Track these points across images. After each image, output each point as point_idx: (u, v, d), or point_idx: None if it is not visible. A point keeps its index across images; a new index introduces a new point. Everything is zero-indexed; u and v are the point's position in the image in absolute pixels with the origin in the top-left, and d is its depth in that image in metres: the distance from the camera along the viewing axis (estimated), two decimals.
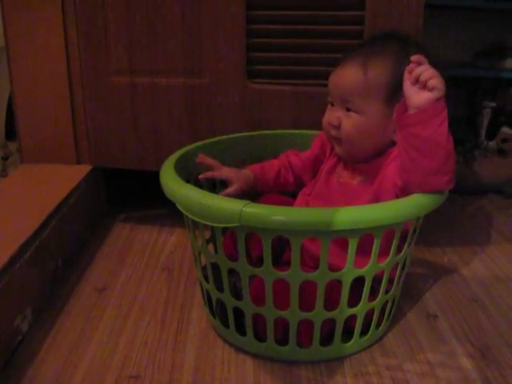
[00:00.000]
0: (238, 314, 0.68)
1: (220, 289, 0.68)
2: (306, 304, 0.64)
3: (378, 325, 0.71)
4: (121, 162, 1.02)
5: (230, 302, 0.68)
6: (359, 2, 0.88)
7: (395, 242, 0.65)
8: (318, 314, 0.65)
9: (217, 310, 0.71)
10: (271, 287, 0.64)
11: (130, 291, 0.84)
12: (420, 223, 0.71)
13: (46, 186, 0.97)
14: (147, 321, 0.77)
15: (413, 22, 0.87)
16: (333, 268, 0.63)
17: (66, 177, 1.00)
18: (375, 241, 0.63)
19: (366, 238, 0.62)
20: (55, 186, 0.96)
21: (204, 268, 0.72)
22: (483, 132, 1.46)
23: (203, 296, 0.76)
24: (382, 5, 0.87)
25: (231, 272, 0.67)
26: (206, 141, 0.88)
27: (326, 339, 0.68)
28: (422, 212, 0.65)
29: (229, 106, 0.96)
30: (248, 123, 0.96)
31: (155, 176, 0.73)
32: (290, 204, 0.81)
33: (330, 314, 0.66)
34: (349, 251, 0.62)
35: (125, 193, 1.19)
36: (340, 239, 0.62)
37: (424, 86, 0.62)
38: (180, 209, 0.66)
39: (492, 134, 1.39)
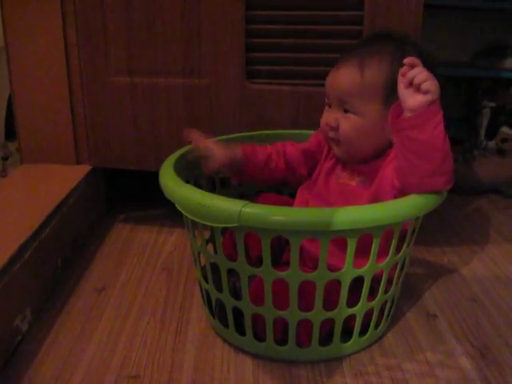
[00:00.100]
0: (238, 313, 0.68)
1: (219, 289, 0.68)
2: (306, 304, 0.64)
3: (377, 325, 0.71)
4: (120, 163, 1.02)
5: (230, 302, 0.68)
6: (358, 2, 0.88)
7: (394, 242, 0.65)
8: (318, 314, 0.65)
9: (216, 310, 0.71)
10: (270, 287, 0.64)
11: (129, 291, 0.84)
12: (419, 223, 0.71)
13: (45, 187, 0.97)
14: (147, 321, 0.77)
15: (412, 21, 0.87)
16: (332, 268, 0.63)
17: (66, 177, 1.00)
18: (374, 241, 0.63)
19: (365, 238, 0.62)
20: (55, 187, 0.96)
21: (203, 268, 0.72)
22: (483, 132, 1.46)
23: (202, 296, 0.76)
24: (381, 5, 0.87)
25: (230, 272, 0.67)
26: None
27: (326, 339, 0.68)
28: (421, 212, 0.65)
29: (228, 106, 0.96)
30: (247, 123, 0.96)
31: (155, 176, 0.73)
32: (290, 204, 0.81)
33: (329, 314, 0.66)
34: (348, 251, 0.62)
35: (124, 193, 1.19)
36: (339, 239, 0.62)
37: (418, 89, 0.62)
38: (179, 209, 0.66)
39: (491, 133, 1.39)
